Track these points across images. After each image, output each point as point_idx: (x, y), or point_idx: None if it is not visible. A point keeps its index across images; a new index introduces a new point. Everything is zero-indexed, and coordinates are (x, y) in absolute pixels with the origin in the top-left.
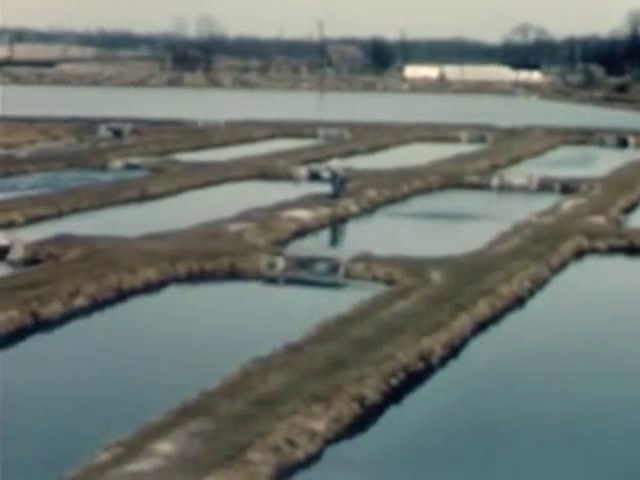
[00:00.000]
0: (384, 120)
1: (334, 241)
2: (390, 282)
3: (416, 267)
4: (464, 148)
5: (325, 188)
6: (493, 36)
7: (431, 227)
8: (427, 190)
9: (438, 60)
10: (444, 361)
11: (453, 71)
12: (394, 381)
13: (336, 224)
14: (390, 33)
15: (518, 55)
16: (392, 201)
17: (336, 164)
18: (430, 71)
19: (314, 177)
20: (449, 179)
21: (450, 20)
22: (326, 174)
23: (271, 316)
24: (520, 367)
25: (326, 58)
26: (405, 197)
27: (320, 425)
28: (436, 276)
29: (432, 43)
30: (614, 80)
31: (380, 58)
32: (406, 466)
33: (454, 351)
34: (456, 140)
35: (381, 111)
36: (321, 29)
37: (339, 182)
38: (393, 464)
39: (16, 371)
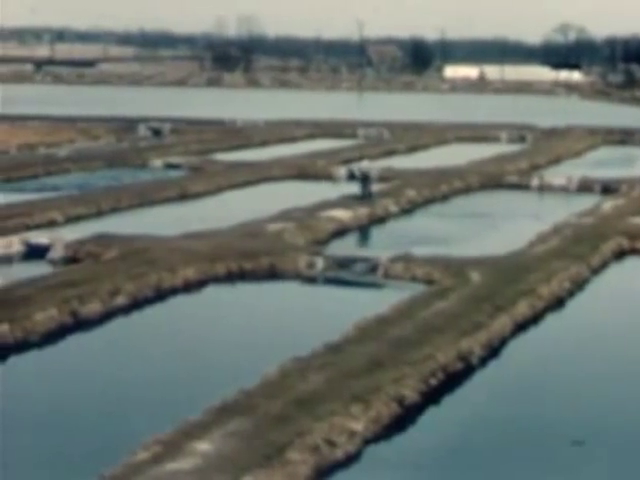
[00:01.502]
0: (423, 120)
1: (373, 241)
2: (429, 282)
3: (455, 267)
4: (504, 148)
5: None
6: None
7: (470, 227)
8: (467, 190)
9: (478, 60)
10: (483, 361)
11: (493, 71)
12: (433, 381)
13: (375, 224)
14: (430, 33)
15: (558, 55)
16: (431, 201)
17: (366, 165)
18: (470, 71)
19: (353, 177)
20: (489, 179)
21: (490, 20)
22: (356, 174)
23: (310, 316)
24: (560, 368)
25: (365, 58)
26: (445, 197)
27: (359, 425)
28: (475, 276)
29: (472, 43)
30: None
31: (420, 58)
32: (444, 466)
33: (493, 351)
34: (496, 140)
35: (420, 111)
36: (361, 29)
37: (369, 183)
38: (431, 464)
39: (56, 370)
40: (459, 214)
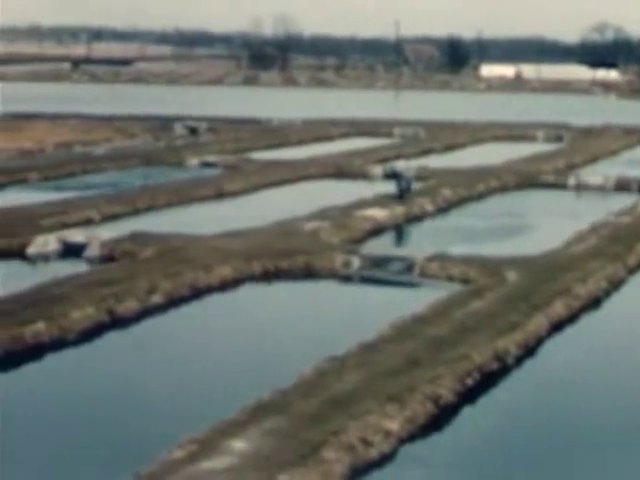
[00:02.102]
0: (460, 119)
1: (409, 240)
2: (465, 281)
3: (492, 266)
4: (540, 147)
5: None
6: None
7: (506, 226)
8: (503, 189)
9: (514, 59)
10: (519, 361)
11: (530, 70)
12: (469, 381)
13: (411, 223)
14: (466, 31)
15: (596, 54)
16: (467, 200)
17: (402, 165)
18: (506, 70)
19: (389, 176)
20: (525, 178)
21: (527, 19)
22: (392, 174)
23: (346, 315)
24: (596, 368)
25: (402, 57)
26: (481, 196)
27: (394, 425)
28: (512, 276)
29: (509, 42)
30: None
31: (456, 57)
32: (479, 467)
33: (530, 351)
34: (532, 139)
35: (457, 110)
36: (397, 27)
37: (405, 183)
38: (467, 465)
39: (92, 368)
40: (495, 213)
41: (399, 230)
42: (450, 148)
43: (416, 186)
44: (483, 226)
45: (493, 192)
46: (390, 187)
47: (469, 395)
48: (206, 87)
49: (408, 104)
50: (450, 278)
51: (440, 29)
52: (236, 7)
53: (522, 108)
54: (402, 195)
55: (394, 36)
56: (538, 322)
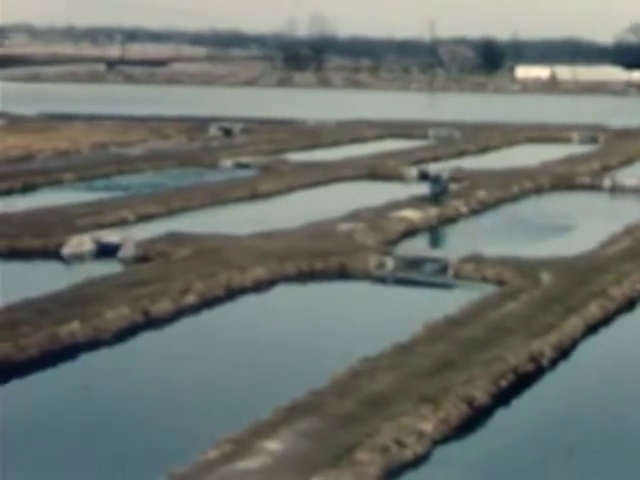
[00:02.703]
0: (495, 120)
1: (443, 241)
2: (500, 283)
3: (526, 268)
4: (575, 149)
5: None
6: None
7: (541, 228)
8: (538, 191)
9: (549, 60)
10: (554, 363)
11: (565, 71)
12: (503, 383)
13: (445, 224)
14: (501, 33)
15: (630, 55)
16: (502, 202)
17: (437, 168)
18: (541, 71)
19: (424, 177)
20: (560, 180)
21: (562, 20)
22: (428, 176)
23: (380, 316)
24: (631, 370)
25: (437, 58)
26: (515, 198)
27: (428, 426)
28: (546, 277)
29: (544, 43)
30: None
31: (491, 58)
32: (513, 469)
33: (564, 353)
34: (567, 141)
35: (492, 111)
36: (432, 29)
37: (440, 186)
38: (501, 467)
39: (127, 368)
40: (530, 215)
41: (433, 231)
42: (485, 150)
43: (451, 188)
44: (517, 228)
45: (528, 194)
46: (425, 189)
47: (503, 397)
48: (241, 88)
49: (443, 105)
50: (484, 279)
51: (475, 30)
52: (271, 8)
53: (557, 109)
54: (436, 198)
55: (429, 37)
56: (573, 324)
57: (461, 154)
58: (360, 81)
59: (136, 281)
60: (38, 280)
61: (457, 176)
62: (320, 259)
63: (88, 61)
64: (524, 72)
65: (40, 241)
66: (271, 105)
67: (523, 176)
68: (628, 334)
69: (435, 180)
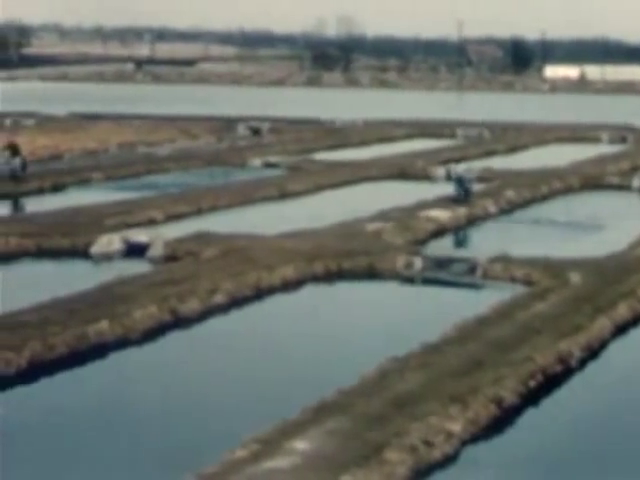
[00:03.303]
0: (523, 120)
1: (472, 241)
2: (529, 283)
3: (555, 268)
4: (605, 149)
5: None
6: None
7: (570, 228)
8: (567, 191)
9: (579, 60)
10: (583, 364)
11: (594, 71)
12: (532, 383)
13: (474, 224)
14: (530, 32)
15: None
16: (531, 202)
17: (462, 168)
18: (570, 71)
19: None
20: (589, 180)
21: (591, 19)
22: (452, 177)
23: (408, 316)
24: None
25: (465, 57)
26: (544, 198)
27: (457, 426)
28: (575, 277)
29: (573, 43)
30: None
31: (520, 58)
32: (541, 469)
33: (593, 354)
34: (596, 141)
35: (520, 111)
36: (460, 28)
37: (465, 186)
38: (529, 467)
39: (155, 367)
40: (559, 215)
41: (462, 231)
42: (514, 149)
43: (477, 188)
44: (546, 228)
45: (557, 194)
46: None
47: (532, 397)
48: (269, 88)
49: (471, 105)
50: (513, 280)
51: (503, 30)
52: (300, 8)
53: (586, 109)
54: (460, 199)
55: (457, 37)
56: (602, 324)
57: (490, 154)
58: (388, 81)
59: (164, 281)
60: (67, 279)
61: (486, 176)
62: (348, 259)
63: (117, 61)
64: (553, 72)
65: (69, 240)
66: (299, 105)
67: (552, 176)
68: None
69: (459, 180)
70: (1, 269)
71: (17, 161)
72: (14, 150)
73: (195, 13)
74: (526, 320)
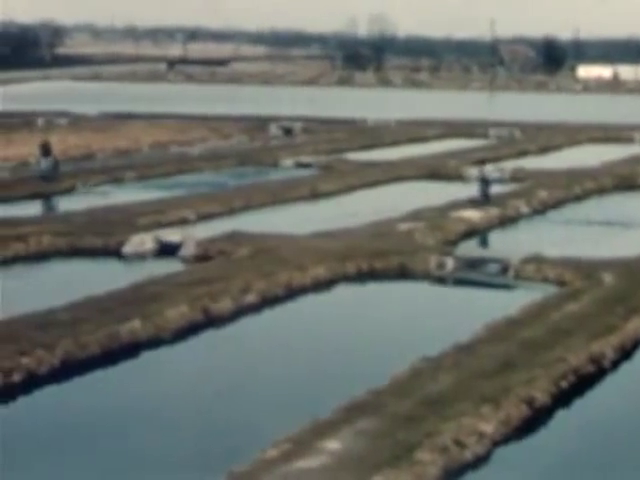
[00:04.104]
0: (556, 120)
1: (504, 242)
2: (561, 284)
3: (588, 269)
4: (638, 149)
5: (494, 188)
6: None
7: (603, 228)
8: (599, 191)
9: (612, 60)
10: (616, 364)
11: (627, 71)
12: (564, 384)
13: (506, 225)
14: (563, 32)
15: None
16: (564, 202)
17: (487, 168)
18: (603, 71)
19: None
20: (622, 180)
21: (625, 19)
22: (476, 177)
23: (440, 316)
24: None
25: (497, 57)
26: (577, 198)
27: (489, 426)
28: (608, 278)
29: (606, 42)
30: None
31: (552, 58)
32: (573, 470)
33: (626, 354)
34: (630, 141)
35: (553, 111)
36: (493, 28)
37: (488, 187)
38: (561, 468)
39: (187, 366)
40: (591, 215)
41: (494, 232)
42: (546, 149)
43: (509, 188)
44: (579, 228)
45: (590, 194)
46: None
47: (564, 398)
48: (301, 87)
49: (503, 105)
50: (545, 280)
51: (536, 30)
52: (331, 7)
53: (619, 109)
54: (484, 200)
55: (489, 37)
56: (635, 325)
57: (522, 154)
58: (420, 80)
59: (196, 280)
60: (99, 278)
61: (518, 176)
62: (380, 259)
63: (149, 61)
64: (586, 71)
65: (102, 240)
66: (331, 104)
67: (585, 176)
68: None
69: (483, 181)
70: (34, 268)
71: (48, 161)
72: (46, 150)
73: (227, 13)
74: (558, 321)
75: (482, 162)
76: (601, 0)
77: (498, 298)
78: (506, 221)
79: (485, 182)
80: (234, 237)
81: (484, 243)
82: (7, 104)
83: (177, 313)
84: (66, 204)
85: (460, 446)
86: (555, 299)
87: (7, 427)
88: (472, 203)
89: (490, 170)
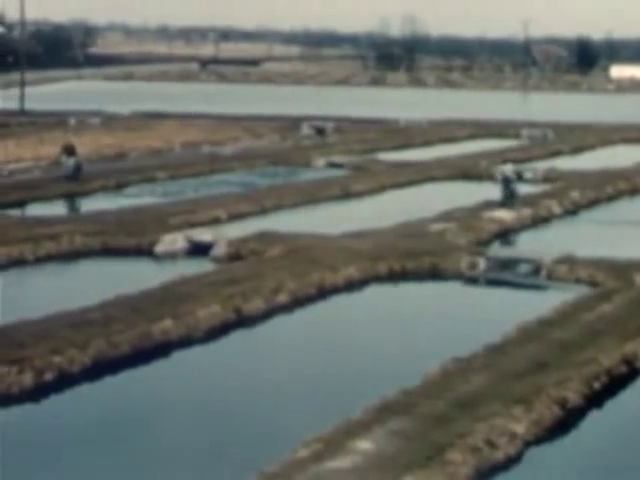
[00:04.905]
0: (589, 120)
1: (536, 242)
2: (593, 284)
3: (620, 269)
4: None
5: (528, 189)
6: None
7: (636, 229)
8: (632, 192)
9: None
10: None
11: None
12: (596, 385)
13: (538, 225)
14: (596, 32)
15: None
16: (596, 203)
17: (508, 168)
18: (637, 71)
19: (518, 177)
20: None
21: None
22: (499, 178)
23: (471, 316)
24: None
25: (530, 57)
26: (610, 199)
27: (520, 427)
28: None
29: (639, 42)
30: None
31: (585, 58)
32: (606, 471)
33: None
34: None
35: (586, 111)
36: (526, 28)
37: (511, 187)
38: (593, 469)
39: (219, 366)
40: (624, 216)
41: (526, 232)
42: (579, 150)
43: (541, 189)
44: (612, 228)
45: (622, 195)
46: (521, 189)
47: (596, 399)
48: (333, 87)
49: (536, 105)
50: (578, 281)
51: (569, 30)
52: (364, 7)
53: None
54: (507, 201)
55: (522, 37)
56: None
57: (554, 154)
58: (453, 80)
59: (228, 280)
60: (131, 278)
61: (550, 176)
62: (412, 259)
63: (181, 60)
64: (619, 72)
65: (133, 239)
66: (363, 104)
67: (618, 177)
68: None
69: (506, 181)
70: (67, 267)
71: (71, 162)
72: (70, 151)
73: (260, 13)
74: (591, 321)
75: (504, 162)
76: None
77: (530, 298)
78: (538, 221)
79: (507, 182)
80: (266, 237)
81: (516, 243)
82: (40, 104)
83: (209, 313)
84: (98, 204)
85: (492, 447)
86: (587, 300)
87: (40, 425)
88: (498, 204)
89: (510, 170)
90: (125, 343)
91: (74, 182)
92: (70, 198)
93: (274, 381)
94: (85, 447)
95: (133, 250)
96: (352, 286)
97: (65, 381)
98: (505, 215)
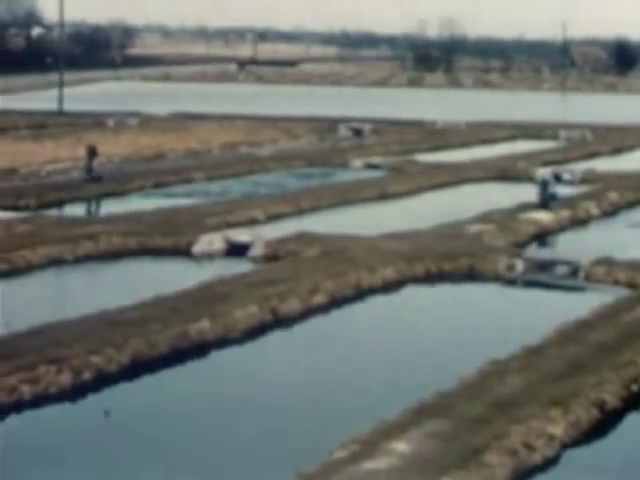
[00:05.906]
0: (628, 122)
1: (574, 244)
2: (632, 286)
3: None
4: None
5: (566, 190)
6: None
7: None
8: None
9: None
10: None
11: None
12: (634, 387)
13: (576, 227)
14: (635, 34)
15: None
16: (635, 204)
17: (545, 172)
18: None
19: (556, 179)
20: None
21: None
22: (537, 181)
23: (509, 318)
24: None
25: (568, 58)
26: None
27: (558, 429)
28: None
29: None
30: None
31: (624, 59)
32: None
33: None
34: None
35: (624, 112)
36: (564, 29)
37: (548, 190)
38: (631, 472)
39: (256, 367)
40: None
41: (564, 234)
42: (617, 151)
43: (579, 190)
44: None
45: None
46: (560, 191)
47: (634, 401)
48: (370, 88)
49: (574, 106)
50: (616, 283)
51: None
52: (402, 9)
53: None
54: (545, 204)
55: (560, 38)
56: None
57: (593, 156)
58: (490, 81)
59: (265, 280)
60: (169, 278)
61: (589, 178)
62: (449, 260)
63: (219, 61)
64: None
65: (171, 239)
66: (401, 106)
67: None
68: None
69: (544, 184)
70: (105, 267)
71: (94, 163)
72: (92, 153)
73: (297, 14)
74: (629, 324)
75: (543, 165)
76: None
77: (568, 300)
78: (576, 223)
79: (545, 184)
80: (303, 237)
81: (554, 245)
82: (79, 104)
83: (246, 313)
84: (136, 204)
85: (529, 449)
86: (626, 302)
87: (78, 425)
88: (535, 206)
89: (548, 172)
90: (163, 343)
91: (97, 183)
92: (108, 198)
93: (310, 382)
94: (123, 447)
95: (171, 250)
96: (389, 287)
97: (103, 381)
98: (543, 217)
